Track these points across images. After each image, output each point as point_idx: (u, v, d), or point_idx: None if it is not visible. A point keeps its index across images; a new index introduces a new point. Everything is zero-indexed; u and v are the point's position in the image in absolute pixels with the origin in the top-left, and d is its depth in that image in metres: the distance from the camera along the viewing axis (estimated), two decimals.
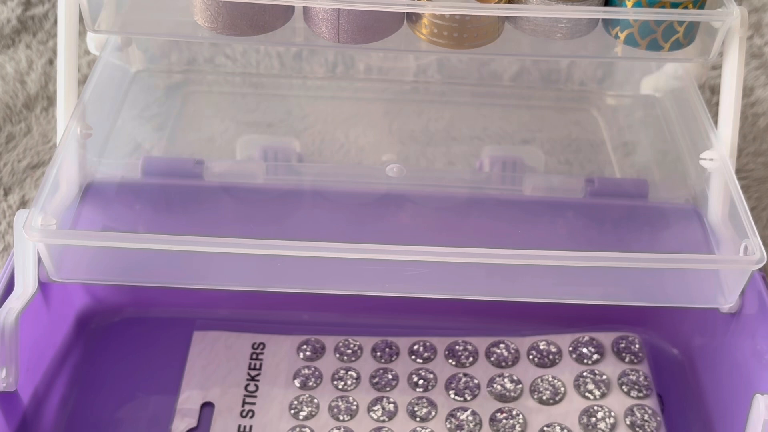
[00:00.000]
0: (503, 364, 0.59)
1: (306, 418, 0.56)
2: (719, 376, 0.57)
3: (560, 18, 0.54)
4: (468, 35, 0.54)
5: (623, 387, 0.57)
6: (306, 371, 0.59)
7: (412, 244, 0.51)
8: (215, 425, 0.56)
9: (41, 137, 0.75)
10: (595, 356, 0.59)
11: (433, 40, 0.54)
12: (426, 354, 0.60)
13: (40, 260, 0.54)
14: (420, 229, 0.59)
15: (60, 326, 0.59)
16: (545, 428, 0.56)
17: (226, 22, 0.53)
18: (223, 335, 0.60)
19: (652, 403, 0.56)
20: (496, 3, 0.54)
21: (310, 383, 0.58)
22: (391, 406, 0.57)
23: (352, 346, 0.60)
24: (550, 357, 0.59)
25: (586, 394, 0.57)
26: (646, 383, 0.57)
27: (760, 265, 0.51)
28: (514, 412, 0.56)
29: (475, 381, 0.58)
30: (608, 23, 0.56)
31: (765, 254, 0.51)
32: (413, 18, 0.55)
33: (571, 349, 0.59)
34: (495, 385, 0.58)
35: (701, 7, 0.54)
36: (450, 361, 0.59)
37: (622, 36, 0.55)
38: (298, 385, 0.58)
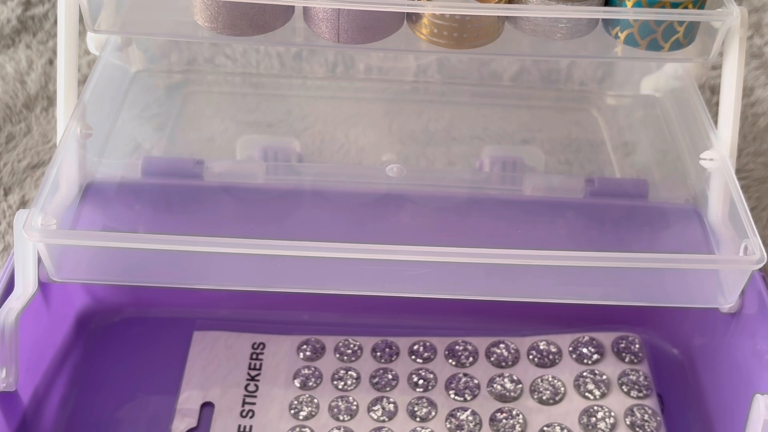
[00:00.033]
0: (503, 364, 0.59)
1: (306, 418, 0.56)
2: (719, 376, 0.57)
3: (560, 18, 0.54)
4: (468, 35, 0.54)
5: (623, 387, 0.57)
6: (306, 371, 0.59)
7: (412, 244, 0.51)
8: (215, 425, 0.56)
9: (41, 137, 0.75)
10: (595, 356, 0.59)
11: (433, 40, 0.54)
12: (426, 354, 0.60)
13: (40, 260, 0.54)
14: (420, 229, 0.59)
15: (60, 326, 0.59)
16: (545, 428, 0.56)
17: (226, 22, 0.53)
18: (223, 335, 0.60)
19: (652, 403, 0.56)
20: (496, 3, 0.54)
21: (310, 383, 0.58)
22: (391, 406, 0.57)
23: (352, 346, 0.60)
24: (550, 357, 0.59)
25: (586, 394, 0.57)
26: (646, 383, 0.57)
27: (760, 265, 0.51)
28: (514, 412, 0.56)
29: (475, 381, 0.58)
30: (608, 23, 0.56)
31: (765, 254, 0.51)
32: (413, 18, 0.55)
33: (571, 349, 0.59)
34: (495, 385, 0.58)
35: (701, 7, 0.54)
36: (450, 361, 0.59)
37: (622, 36, 0.55)
38: (298, 385, 0.58)
